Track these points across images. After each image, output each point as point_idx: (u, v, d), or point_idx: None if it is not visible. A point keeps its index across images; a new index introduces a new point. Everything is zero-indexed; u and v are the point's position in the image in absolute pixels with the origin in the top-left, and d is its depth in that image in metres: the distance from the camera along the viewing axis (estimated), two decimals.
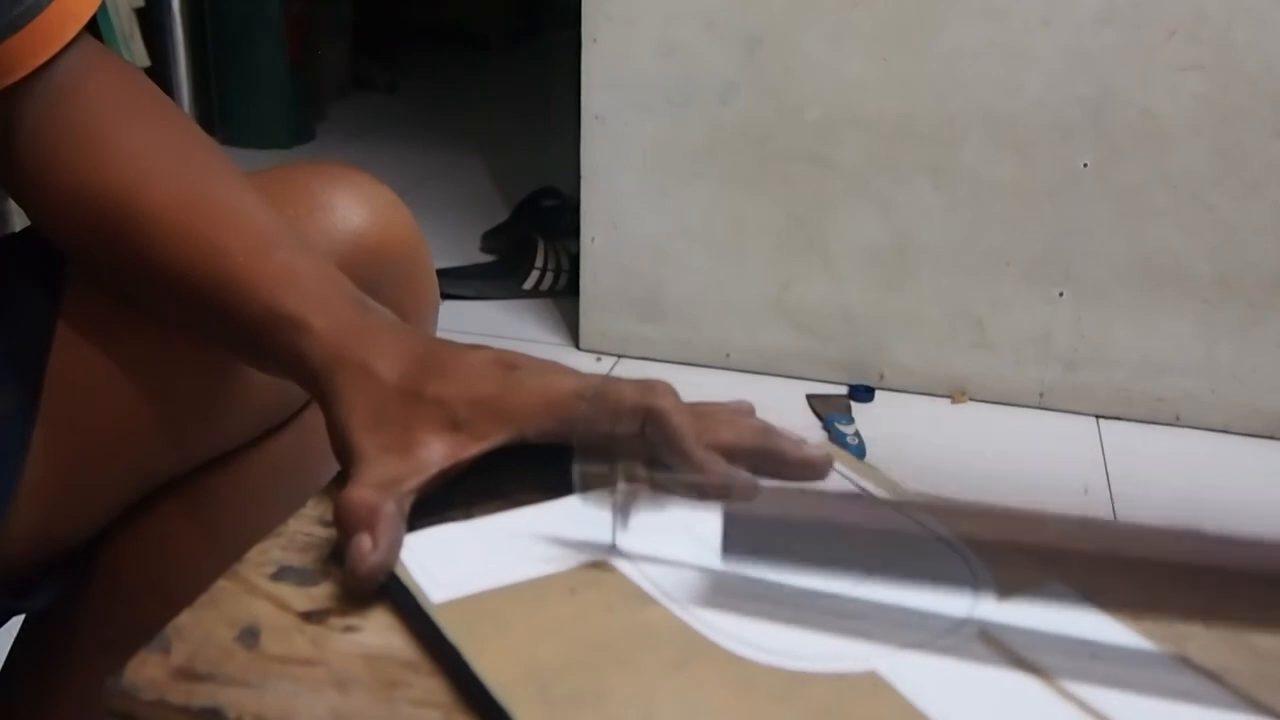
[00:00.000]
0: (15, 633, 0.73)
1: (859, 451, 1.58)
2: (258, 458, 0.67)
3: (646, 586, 0.45)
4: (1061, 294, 1.68)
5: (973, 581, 0.46)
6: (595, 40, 1.73)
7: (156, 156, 0.58)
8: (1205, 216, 1.62)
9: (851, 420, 1.65)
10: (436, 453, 0.47)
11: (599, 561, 0.46)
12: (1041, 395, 1.73)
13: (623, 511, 0.48)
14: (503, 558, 0.46)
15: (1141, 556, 0.46)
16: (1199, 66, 1.56)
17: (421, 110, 3.13)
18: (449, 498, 0.49)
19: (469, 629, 0.42)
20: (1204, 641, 0.45)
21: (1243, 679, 0.42)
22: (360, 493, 0.45)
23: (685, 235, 1.79)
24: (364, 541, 0.44)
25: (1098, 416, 1.72)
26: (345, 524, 0.45)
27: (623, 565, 0.46)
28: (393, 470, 0.46)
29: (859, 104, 1.68)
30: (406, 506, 0.46)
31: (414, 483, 0.46)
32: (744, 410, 0.52)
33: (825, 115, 1.69)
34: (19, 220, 0.70)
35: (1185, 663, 0.43)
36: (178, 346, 0.61)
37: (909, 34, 1.64)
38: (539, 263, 2.01)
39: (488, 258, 2.15)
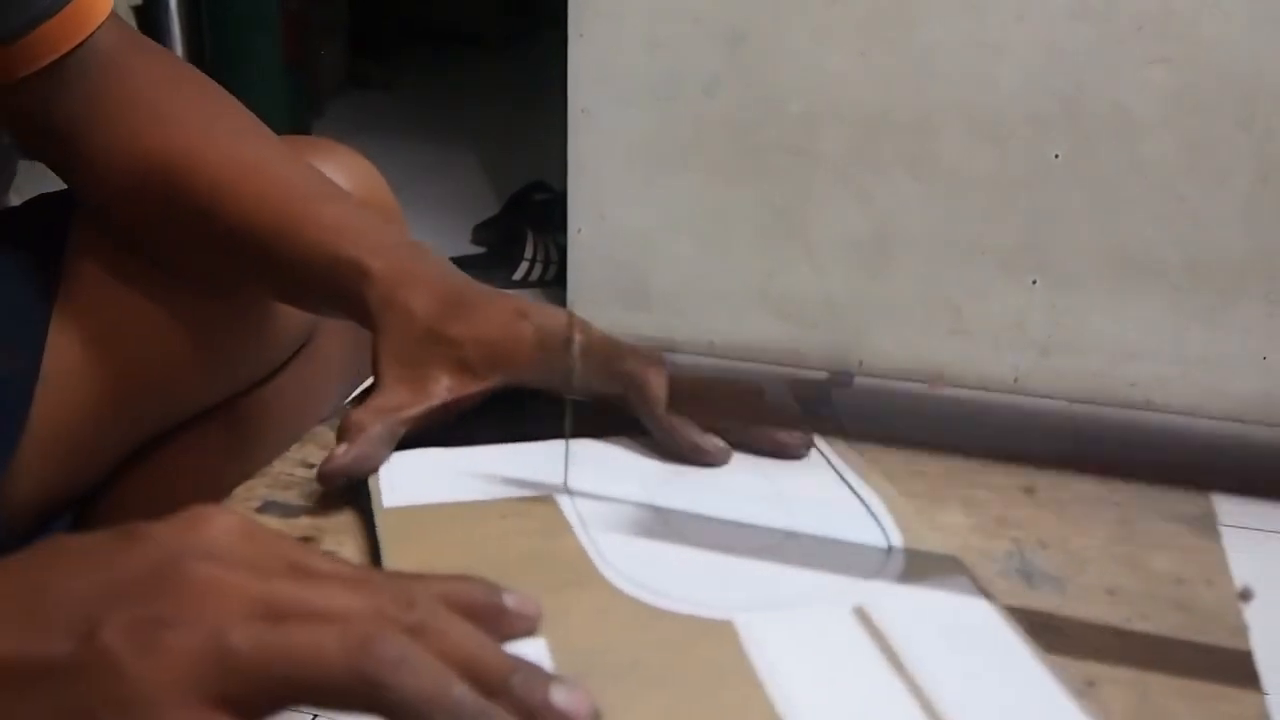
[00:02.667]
0: None
1: None
2: (246, 406, 0.72)
3: (573, 520, 0.50)
4: (1035, 282, 1.73)
5: (883, 563, 0.48)
6: (582, 35, 1.77)
7: (207, 120, 0.63)
8: (1175, 206, 1.66)
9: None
10: (442, 387, 0.54)
11: (543, 496, 0.51)
12: (1016, 380, 1.78)
13: (577, 456, 0.53)
14: (462, 481, 0.51)
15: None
16: (1167, 60, 1.61)
17: (418, 108, 3.17)
18: (452, 432, 0.55)
19: (398, 532, 0.47)
20: (1102, 565, 0.49)
21: (1130, 597, 0.47)
22: (359, 414, 0.52)
23: (671, 226, 1.83)
24: (339, 448, 0.51)
25: (1070, 401, 1.77)
26: (338, 435, 0.52)
27: (562, 501, 0.51)
28: (398, 399, 0.53)
29: (839, 98, 1.72)
30: (399, 431, 0.53)
31: (412, 412, 0.53)
32: (750, 391, 0.58)
33: (807, 109, 1.74)
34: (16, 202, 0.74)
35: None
36: (172, 307, 0.65)
37: (888, 29, 1.68)
38: (528, 254, 2.05)
39: (478, 250, 2.19)
